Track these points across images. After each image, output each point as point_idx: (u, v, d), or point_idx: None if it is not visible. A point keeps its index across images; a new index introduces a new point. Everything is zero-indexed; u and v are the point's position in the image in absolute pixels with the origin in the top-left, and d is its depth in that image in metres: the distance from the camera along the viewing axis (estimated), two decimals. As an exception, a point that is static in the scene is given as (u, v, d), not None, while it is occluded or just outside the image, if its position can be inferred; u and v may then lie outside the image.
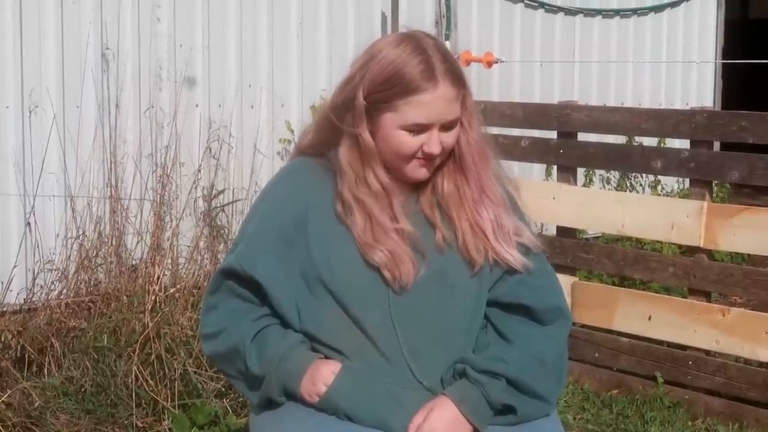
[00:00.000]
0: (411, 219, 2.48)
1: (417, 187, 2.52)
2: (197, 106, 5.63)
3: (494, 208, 2.49)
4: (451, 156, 2.50)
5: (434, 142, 2.41)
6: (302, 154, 2.60)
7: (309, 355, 2.45)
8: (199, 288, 4.77)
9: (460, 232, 2.47)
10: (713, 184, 4.52)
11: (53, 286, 4.86)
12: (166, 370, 4.12)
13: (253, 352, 2.47)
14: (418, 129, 2.40)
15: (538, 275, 2.53)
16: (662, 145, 6.44)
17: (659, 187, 7.60)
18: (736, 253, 5.62)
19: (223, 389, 4.18)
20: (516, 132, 5.14)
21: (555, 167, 5.31)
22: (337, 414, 2.39)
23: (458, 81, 2.43)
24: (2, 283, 4.69)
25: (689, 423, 4.33)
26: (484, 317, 2.52)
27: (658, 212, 4.52)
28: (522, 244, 2.50)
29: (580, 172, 6.59)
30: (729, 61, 7.38)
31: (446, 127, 2.43)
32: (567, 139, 4.82)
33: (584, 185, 6.73)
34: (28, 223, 4.97)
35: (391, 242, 2.41)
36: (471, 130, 2.48)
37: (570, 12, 7.47)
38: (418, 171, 2.45)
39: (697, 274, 4.37)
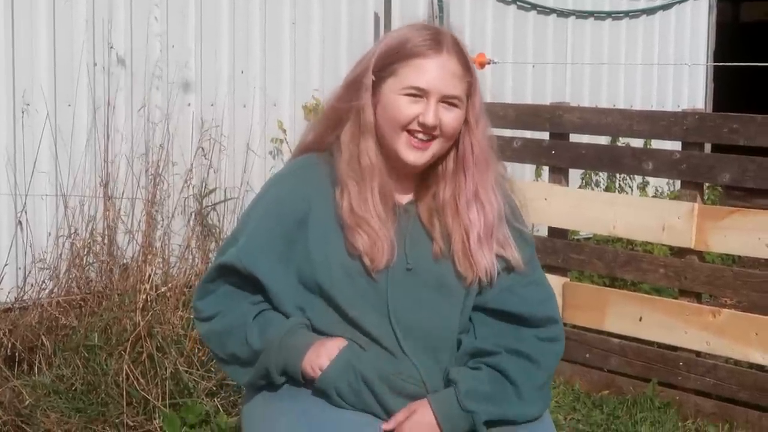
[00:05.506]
0: (410, 228, 2.45)
1: (418, 192, 2.49)
2: (189, 105, 5.63)
3: (485, 212, 2.44)
4: (454, 157, 2.46)
5: (430, 113, 2.37)
6: (306, 151, 2.56)
7: (313, 335, 2.43)
8: (190, 287, 4.76)
9: (453, 245, 2.44)
10: (704, 186, 4.53)
11: (44, 284, 4.86)
12: (157, 369, 4.11)
13: (254, 330, 2.43)
14: (416, 93, 2.38)
15: (524, 285, 2.49)
16: (648, 146, 6.44)
17: (647, 189, 7.61)
18: (727, 255, 5.63)
19: (214, 388, 4.18)
20: (508, 133, 5.14)
21: (545, 168, 5.31)
22: (334, 390, 2.36)
23: (466, 64, 2.44)
24: (-7, 281, 4.69)
25: (679, 424, 4.34)
26: (470, 321, 2.49)
27: (649, 214, 4.52)
28: (503, 258, 2.46)
29: (577, 174, 6.62)
30: (720, 64, 7.39)
31: (446, 102, 2.40)
32: (559, 140, 4.83)
33: (580, 187, 6.72)
34: (20, 222, 4.97)
35: (367, 226, 2.38)
36: (477, 130, 2.45)
37: (562, 14, 7.49)
38: (410, 151, 2.40)
39: (688, 275, 4.38)
